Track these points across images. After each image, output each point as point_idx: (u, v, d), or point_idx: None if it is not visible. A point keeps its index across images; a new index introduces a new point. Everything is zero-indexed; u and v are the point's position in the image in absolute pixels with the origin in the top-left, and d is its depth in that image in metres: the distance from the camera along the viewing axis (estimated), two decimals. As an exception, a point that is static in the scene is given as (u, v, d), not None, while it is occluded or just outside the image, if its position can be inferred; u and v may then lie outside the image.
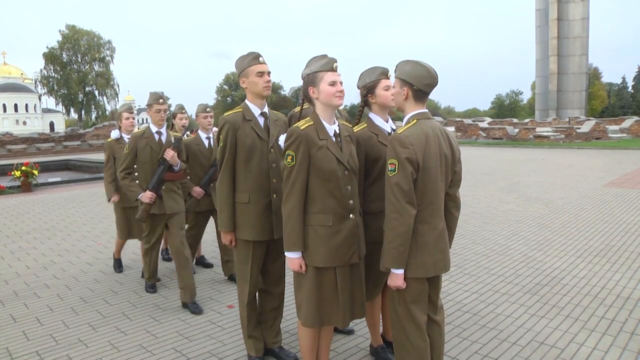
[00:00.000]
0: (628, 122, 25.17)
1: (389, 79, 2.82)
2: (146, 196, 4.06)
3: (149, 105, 4.18)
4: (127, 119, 5.08)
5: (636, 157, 15.61)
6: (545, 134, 23.06)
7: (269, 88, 2.97)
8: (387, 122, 2.88)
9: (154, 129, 4.25)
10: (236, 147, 2.92)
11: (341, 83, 2.54)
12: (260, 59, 2.93)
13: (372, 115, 2.87)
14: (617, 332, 3.47)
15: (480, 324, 3.65)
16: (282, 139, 2.67)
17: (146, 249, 4.42)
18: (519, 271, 4.83)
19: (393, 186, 2.30)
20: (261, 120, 2.99)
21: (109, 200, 4.91)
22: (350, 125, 2.79)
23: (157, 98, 4.16)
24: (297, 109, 3.16)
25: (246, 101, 3.01)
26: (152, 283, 4.58)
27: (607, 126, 24.23)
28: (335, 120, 2.61)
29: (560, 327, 3.56)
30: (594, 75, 61.74)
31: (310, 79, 2.54)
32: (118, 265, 5.33)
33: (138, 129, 4.55)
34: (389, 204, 2.32)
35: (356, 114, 3.03)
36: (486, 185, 10.55)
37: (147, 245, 4.37)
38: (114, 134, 5.02)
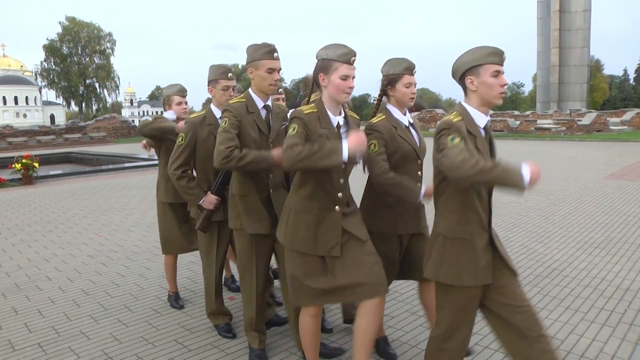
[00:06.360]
0: (629, 114, 25.12)
1: (413, 75, 2.73)
2: (209, 201, 3.17)
3: (213, 81, 3.27)
4: (179, 103, 3.81)
5: (637, 150, 15.58)
6: (547, 126, 23.02)
7: (275, 86, 2.83)
8: (404, 115, 2.80)
9: (217, 112, 3.25)
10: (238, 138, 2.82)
11: (353, 78, 2.44)
12: (275, 54, 2.75)
13: (390, 107, 2.78)
14: (617, 323, 3.49)
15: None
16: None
17: (206, 269, 3.39)
18: (519, 263, 4.84)
19: None
20: (263, 113, 2.89)
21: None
22: (358, 117, 2.73)
23: (226, 71, 3.27)
24: (306, 101, 3.10)
25: (250, 91, 2.88)
26: (224, 324, 3.48)
27: (608, 118, 24.20)
28: (342, 111, 2.54)
29: (560, 319, 3.57)
30: (595, 67, 61.57)
31: (323, 65, 2.43)
32: (175, 299, 4.02)
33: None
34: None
35: (372, 104, 2.98)
36: (487, 178, 10.51)
37: (206, 262, 3.37)
38: (168, 115, 3.82)
